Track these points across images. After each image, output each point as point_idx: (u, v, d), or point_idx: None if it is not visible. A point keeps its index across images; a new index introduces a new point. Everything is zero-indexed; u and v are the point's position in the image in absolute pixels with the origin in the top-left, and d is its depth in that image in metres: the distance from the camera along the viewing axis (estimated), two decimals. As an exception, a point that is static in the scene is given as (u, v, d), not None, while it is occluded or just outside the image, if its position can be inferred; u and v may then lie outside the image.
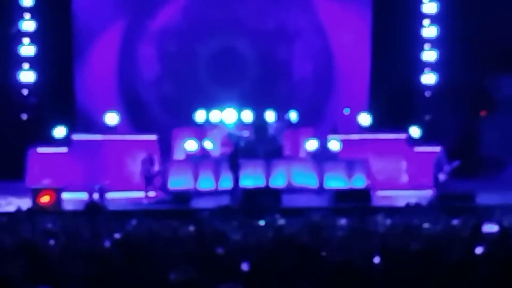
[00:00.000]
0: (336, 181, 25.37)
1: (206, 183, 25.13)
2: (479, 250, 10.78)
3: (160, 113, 28.52)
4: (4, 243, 12.39)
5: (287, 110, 27.41)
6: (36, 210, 20.32)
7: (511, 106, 26.65)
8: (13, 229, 15.27)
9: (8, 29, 26.22)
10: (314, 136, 26.68)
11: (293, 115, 27.43)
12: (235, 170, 23.81)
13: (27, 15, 26.36)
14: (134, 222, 17.59)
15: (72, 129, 26.00)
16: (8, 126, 26.42)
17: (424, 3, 29.03)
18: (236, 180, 23.70)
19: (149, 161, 24.23)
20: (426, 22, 29.10)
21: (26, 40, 26.46)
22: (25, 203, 21.27)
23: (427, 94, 29.27)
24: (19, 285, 7.20)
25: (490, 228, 12.52)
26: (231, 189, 23.52)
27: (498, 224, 10.39)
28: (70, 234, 14.95)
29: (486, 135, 27.89)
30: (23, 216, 18.92)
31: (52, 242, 13.07)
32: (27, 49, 26.48)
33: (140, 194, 23.86)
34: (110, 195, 23.01)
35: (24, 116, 26.66)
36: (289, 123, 27.27)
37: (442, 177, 24.69)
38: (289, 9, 29.20)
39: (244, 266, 8.70)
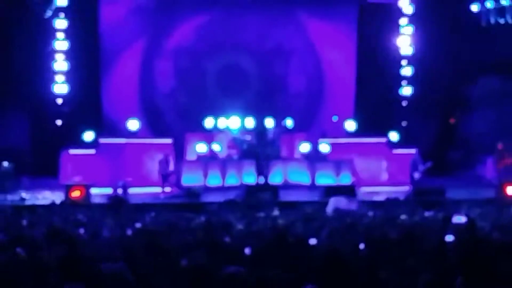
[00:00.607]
0: (325, 178, 25.32)
1: (214, 180, 25.10)
2: (449, 238, 10.74)
3: (175, 120, 28.48)
4: (40, 232, 12.38)
5: (283, 118, 27.35)
6: (68, 203, 20.31)
7: (487, 103, 26.30)
8: (48, 220, 15.26)
9: (44, 48, 26.20)
10: (307, 140, 26.65)
11: (289, 122, 27.38)
12: (265, 171, 23.90)
13: (60, 36, 26.35)
14: (152, 213, 17.58)
15: (99, 134, 25.96)
16: (44, 130, 26.43)
17: (401, 26, 29.02)
18: (266, 178, 23.94)
19: (165, 161, 24.21)
20: (403, 42, 29.09)
21: (60, 57, 26.45)
22: (58, 197, 21.31)
23: (404, 103, 29.26)
24: (52, 269, 7.19)
25: (459, 219, 12.49)
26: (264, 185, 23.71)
27: (466, 215, 10.38)
28: (97, 223, 14.92)
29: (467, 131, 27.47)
30: (57, 208, 18.93)
31: (82, 230, 13.05)
32: (60, 64, 26.47)
33: (157, 189, 23.81)
34: (132, 190, 23.00)
35: (59, 122, 26.64)
36: (285, 129, 27.22)
37: (417, 175, 24.67)
38: (285, 31, 29.15)
39: (247, 251, 8.68)
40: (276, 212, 18.14)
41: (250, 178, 24.86)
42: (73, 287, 5.37)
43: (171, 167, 24.52)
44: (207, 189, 23.97)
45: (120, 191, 22.47)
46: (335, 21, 29.41)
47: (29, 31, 25.51)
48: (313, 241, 10.32)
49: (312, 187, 24.68)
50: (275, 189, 23.12)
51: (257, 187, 23.34)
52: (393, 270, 7.46)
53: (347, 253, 7.19)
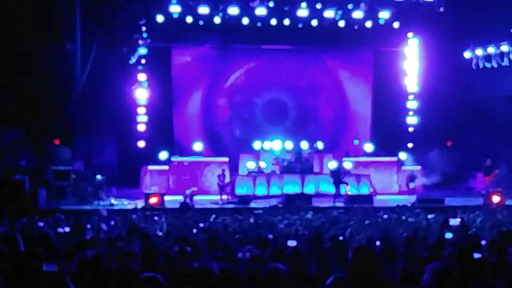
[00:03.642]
0: (348, 188, 25.13)
1: (260, 190, 25.03)
2: (448, 235, 10.62)
3: (230, 142, 28.57)
4: (126, 230, 12.44)
5: (315, 141, 27.35)
6: (148, 208, 20.43)
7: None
8: (132, 220, 15.37)
9: (130, 86, 26.46)
10: (334, 158, 26.52)
11: (319, 144, 27.37)
12: (338, 184, 23.66)
13: (142, 77, 26.60)
14: (212, 216, 17.61)
15: (171, 153, 26.10)
16: (129, 151, 26.61)
17: (407, 68, 28.81)
18: (339, 189, 23.55)
19: (222, 175, 24.23)
20: (409, 80, 28.89)
21: (141, 96, 26.65)
22: (140, 203, 21.45)
23: (411, 130, 29.02)
24: (137, 258, 7.20)
25: (454, 222, 12.35)
26: (336, 195, 23.32)
27: (460, 218, 10.27)
28: (170, 223, 15.01)
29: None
30: (139, 212, 19.05)
31: (158, 228, 13.12)
32: (142, 101, 26.71)
33: (216, 197, 23.84)
34: (196, 198, 23.06)
35: (140, 144, 26.80)
36: (316, 150, 27.17)
37: (412, 185, 24.53)
38: (316, 73, 29.18)
39: (289, 243, 8.64)
40: (309, 215, 18.07)
41: (289, 188, 24.79)
42: (149, 276, 5.19)
43: (227, 179, 24.53)
44: (255, 197, 23.95)
45: (187, 198, 22.54)
46: (355, 64, 29.42)
47: (118, 73, 25.78)
48: (340, 238, 10.26)
49: (338, 195, 24.49)
50: (309, 197, 23.05)
51: (294, 195, 23.26)
52: (406, 260, 7.38)
53: (369, 248, 7.12)
